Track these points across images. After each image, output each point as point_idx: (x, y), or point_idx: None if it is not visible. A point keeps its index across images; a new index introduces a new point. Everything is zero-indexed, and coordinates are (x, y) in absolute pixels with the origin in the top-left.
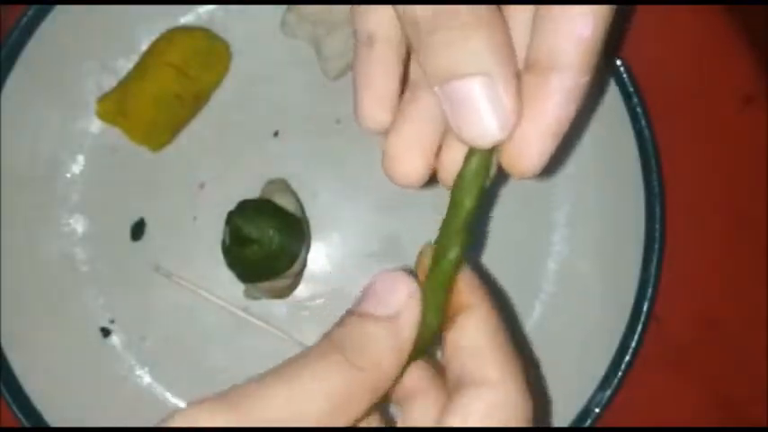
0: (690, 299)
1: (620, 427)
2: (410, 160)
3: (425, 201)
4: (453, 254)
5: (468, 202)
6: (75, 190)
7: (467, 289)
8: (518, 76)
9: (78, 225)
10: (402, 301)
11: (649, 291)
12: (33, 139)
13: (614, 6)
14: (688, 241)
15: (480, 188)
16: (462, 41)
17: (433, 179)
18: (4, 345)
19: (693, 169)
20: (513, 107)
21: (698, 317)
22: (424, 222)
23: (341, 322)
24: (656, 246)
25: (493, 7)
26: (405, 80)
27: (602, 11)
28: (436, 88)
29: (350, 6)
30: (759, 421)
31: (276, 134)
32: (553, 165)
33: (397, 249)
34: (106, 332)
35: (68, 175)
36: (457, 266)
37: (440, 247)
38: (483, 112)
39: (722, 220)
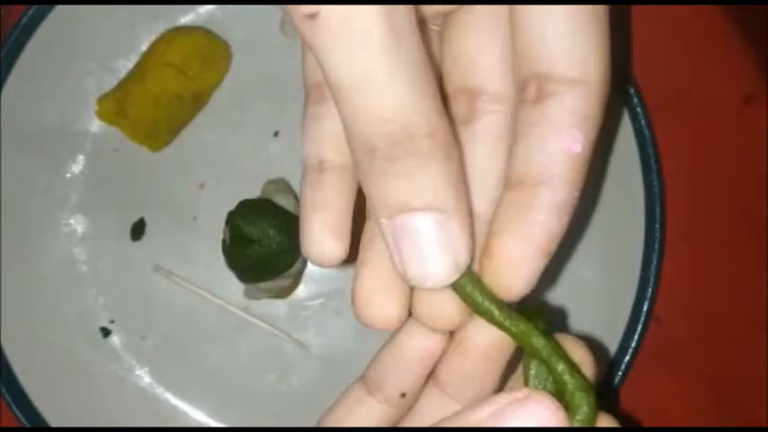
0: (690, 299)
1: (620, 428)
2: (384, 303)
3: None
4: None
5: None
6: (75, 190)
7: None
8: (471, 214)
9: (78, 225)
10: None
11: (649, 291)
12: (33, 139)
13: (601, 116)
14: (688, 241)
15: (497, 309)
16: (419, 172)
17: None
18: (4, 345)
19: (693, 169)
20: (467, 246)
21: (698, 317)
22: None
23: None
24: (656, 246)
25: (451, 136)
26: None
27: (590, 122)
28: (383, 220)
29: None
30: (759, 421)
31: (276, 134)
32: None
33: None
34: (106, 332)
35: (68, 175)
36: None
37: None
38: (434, 250)
39: (722, 220)
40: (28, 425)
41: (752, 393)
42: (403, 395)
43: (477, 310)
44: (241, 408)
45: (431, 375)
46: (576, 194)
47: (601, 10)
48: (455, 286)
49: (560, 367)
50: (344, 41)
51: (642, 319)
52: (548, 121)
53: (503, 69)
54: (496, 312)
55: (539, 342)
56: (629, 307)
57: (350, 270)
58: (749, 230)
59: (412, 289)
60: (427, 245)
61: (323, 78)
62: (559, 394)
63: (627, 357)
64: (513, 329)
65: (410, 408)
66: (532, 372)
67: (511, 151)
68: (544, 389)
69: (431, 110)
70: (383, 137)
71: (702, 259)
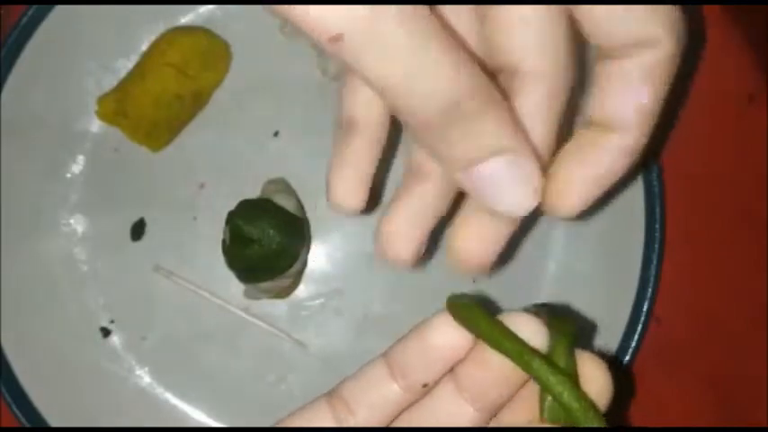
0: (690, 299)
1: (620, 427)
2: (407, 240)
3: None
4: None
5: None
6: (75, 190)
7: None
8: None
9: (78, 225)
10: None
11: (649, 291)
12: (33, 139)
13: (671, 72)
14: (688, 241)
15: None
16: (476, 129)
17: None
18: (4, 345)
19: (693, 169)
20: (538, 173)
21: (698, 317)
22: None
23: None
24: (656, 246)
25: (493, 89)
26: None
27: (659, 77)
28: (459, 175)
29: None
30: (759, 421)
31: (276, 134)
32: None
33: None
34: (106, 332)
35: (68, 175)
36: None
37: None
38: (513, 185)
39: (723, 220)
40: (28, 425)
41: (752, 393)
42: (424, 385)
43: (490, 344)
44: (241, 408)
45: (451, 371)
46: (643, 141)
47: None
48: (465, 318)
49: (574, 406)
50: (373, 53)
51: (642, 319)
52: (623, 74)
53: (538, 48)
54: (516, 350)
55: (549, 379)
56: (629, 307)
57: (350, 270)
58: (749, 230)
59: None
60: (506, 183)
61: None
62: (572, 423)
63: (627, 357)
64: (527, 365)
65: (426, 393)
66: (548, 400)
67: (590, 97)
68: (558, 420)
69: (468, 72)
70: (433, 111)
71: (702, 259)
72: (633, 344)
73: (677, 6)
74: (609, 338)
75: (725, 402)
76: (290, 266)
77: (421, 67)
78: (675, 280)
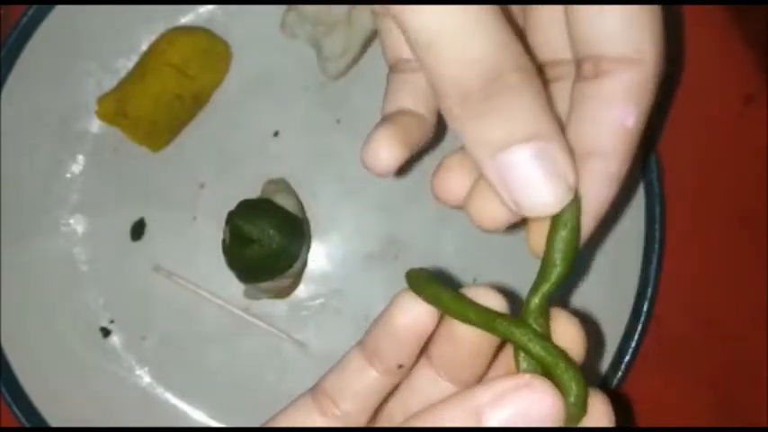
0: (690, 299)
1: (620, 427)
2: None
3: (425, 201)
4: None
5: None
6: (75, 190)
7: None
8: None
9: (78, 225)
10: None
11: (649, 291)
12: (33, 139)
13: (654, 94)
14: (688, 241)
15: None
16: (515, 105)
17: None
18: (4, 345)
19: (694, 169)
20: (572, 167)
21: (698, 317)
22: (424, 222)
23: None
24: (656, 246)
25: (537, 71)
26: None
27: (643, 98)
28: (487, 162)
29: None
30: (759, 422)
31: (276, 134)
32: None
33: (397, 249)
34: (106, 332)
35: (68, 175)
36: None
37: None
38: (543, 177)
39: (722, 220)
40: (28, 425)
41: (752, 393)
42: (400, 366)
43: (454, 316)
44: (241, 408)
45: (424, 352)
46: (626, 167)
47: None
48: (428, 295)
49: (543, 355)
50: (428, 8)
51: (642, 319)
52: (603, 96)
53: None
54: (473, 312)
55: (514, 333)
56: (629, 307)
57: (350, 270)
58: (749, 230)
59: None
60: (535, 173)
61: (402, 54)
62: (549, 376)
63: (627, 357)
64: (494, 329)
65: (406, 374)
66: (522, 356)
67: (567, 123)
68: (534, 371)
69: (515, 48)
70: (475, 78)
71: (702, 259)
72: (633, 344)
73: (661, 25)
74: (609, 338)
75: (725, 402)
76: (290, 266)
77: (474, 25)
78: (675, 280)
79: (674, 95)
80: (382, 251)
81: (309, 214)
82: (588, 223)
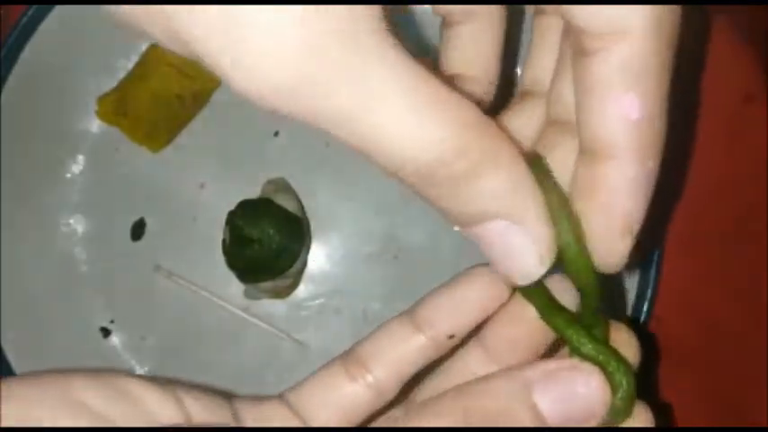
0: (690, 299)
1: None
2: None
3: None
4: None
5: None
6: (75, 190)
7: None
8: (543, 207)
9: (78, 225)
10: None
11: (649, 291)
12: (33, 139)
13: (663, 73)
14: (688, 242)
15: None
16: (467, 191)
17: None
18: (4, 345)
19: (693, 169)
20: (546, 240)
21: (698, 317)
22: (424, 222)
23: None
24: (657, 246)
25: (493, 143)
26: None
27: (642, 79)
28: (457, 229)
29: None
30: (759, 421)
31: (276, 134)
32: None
33: (397, 249)
34: (106, 332)
35: (68, 175)
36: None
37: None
38: (514, 251)
39: (722, 220)
40: None
41: (752, 393)
42: (451, 337)
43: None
44: None
45: (477, 335)
46: (651, 166)
47: None
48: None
49: (600, 357)
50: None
51: (642, 319)
52: (601, 84)
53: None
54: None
55: (579, 334)
56: (630, 307)
57: (350, 270)
58: (749, 231)
59: None
60: (507, 247)
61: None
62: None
63: None
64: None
65: (447, 349)
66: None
67: (576, 116)
68: None
69: (455, 135)
70: (414, 174)
71: (702, 259)
72: None
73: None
74: None
75: (725, 402)
76: (290, 266)
77: (398, 124)
78: (675, 280)
79: (673, 95)
80: (382, 251)
81: (309, 214)
82: (618, 239)
